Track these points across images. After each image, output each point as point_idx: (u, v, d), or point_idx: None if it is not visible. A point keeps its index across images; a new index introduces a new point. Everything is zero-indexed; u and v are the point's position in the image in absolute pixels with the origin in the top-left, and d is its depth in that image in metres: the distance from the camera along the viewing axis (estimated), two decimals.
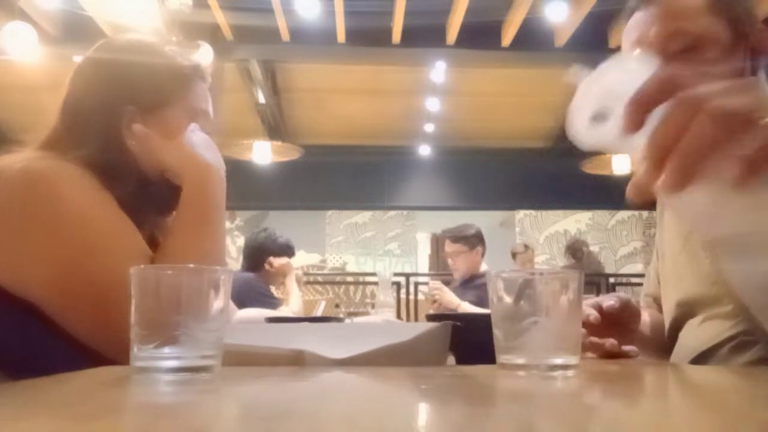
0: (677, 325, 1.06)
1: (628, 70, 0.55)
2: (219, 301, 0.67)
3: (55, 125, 1.04)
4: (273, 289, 3.45)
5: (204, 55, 1.14)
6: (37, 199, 0.90)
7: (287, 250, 3.39)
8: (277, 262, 3.27)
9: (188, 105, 1.09)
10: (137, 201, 1.00)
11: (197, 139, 1.05)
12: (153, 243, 1.07)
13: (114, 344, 0.82)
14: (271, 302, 3.08)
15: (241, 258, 3.53)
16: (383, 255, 8.39)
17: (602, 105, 0.55)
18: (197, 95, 1.11)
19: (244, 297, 2.82)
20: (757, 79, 0.83)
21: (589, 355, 1.00)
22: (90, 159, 0.97)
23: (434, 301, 3.18)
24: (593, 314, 1.00)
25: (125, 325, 0.66)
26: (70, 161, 0.96)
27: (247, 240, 3.49)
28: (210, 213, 1.02)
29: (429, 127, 7.60)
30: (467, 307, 3.07)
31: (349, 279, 7.24)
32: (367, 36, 5.61)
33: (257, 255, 3.33)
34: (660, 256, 1.17)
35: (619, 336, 1.01)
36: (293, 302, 3.12)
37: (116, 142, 1.02)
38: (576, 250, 5.96)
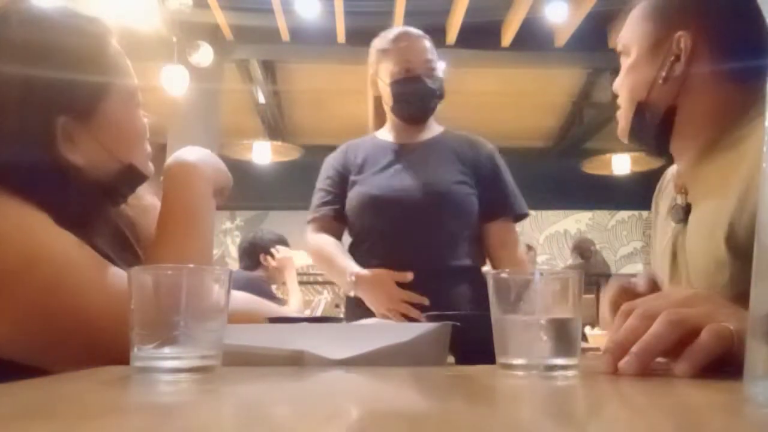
0: None
1: None
2: (219, 302, 0.67)
3: None
4: (274, 288, 3.47)
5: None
6: None
7: (280, 242, 3.44)
8: (277, 255, 3.30)
9: (121, 88, 0.94)
10: (91, 205, 0.90)
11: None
12: (120, 234, 0.99)
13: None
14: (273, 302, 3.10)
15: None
16: None
17: None
18: (124, 71, 0.96)
19: None
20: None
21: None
22: (24, 182, 0.83)
23: None
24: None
25: (113, 347, 0.65)
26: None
27: (241, 241, 3.60)
28: (195, 212, 0.99)
29: None
30: None
31: None
32: (367, 36, 5.60)
33: (252, 251, 3.42)
34: (653, 256, 1.17)
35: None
36: (293, 302, 3.13)
37: (53, 159, 0.86)
38: (584, 249, 5.94)
